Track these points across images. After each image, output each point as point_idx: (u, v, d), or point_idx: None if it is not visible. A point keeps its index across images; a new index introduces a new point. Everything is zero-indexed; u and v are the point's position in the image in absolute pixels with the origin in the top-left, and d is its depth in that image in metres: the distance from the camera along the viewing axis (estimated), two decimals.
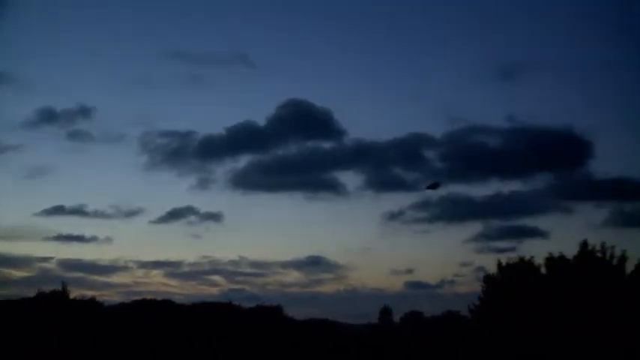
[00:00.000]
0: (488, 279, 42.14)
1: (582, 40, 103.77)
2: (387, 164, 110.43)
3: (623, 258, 37.56)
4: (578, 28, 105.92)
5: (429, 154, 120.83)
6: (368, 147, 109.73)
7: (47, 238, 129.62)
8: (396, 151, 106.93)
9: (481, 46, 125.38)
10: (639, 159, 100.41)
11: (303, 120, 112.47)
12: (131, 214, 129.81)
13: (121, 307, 71.96)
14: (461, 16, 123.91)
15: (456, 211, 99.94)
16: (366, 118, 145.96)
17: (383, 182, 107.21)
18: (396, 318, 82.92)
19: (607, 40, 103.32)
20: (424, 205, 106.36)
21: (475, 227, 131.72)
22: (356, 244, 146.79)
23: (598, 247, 38.06)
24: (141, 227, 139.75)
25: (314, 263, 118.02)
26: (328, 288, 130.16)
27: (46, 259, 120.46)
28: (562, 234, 70.96)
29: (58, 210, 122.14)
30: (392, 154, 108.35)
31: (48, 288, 57.05)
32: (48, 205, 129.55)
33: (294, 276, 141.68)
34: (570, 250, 39.17)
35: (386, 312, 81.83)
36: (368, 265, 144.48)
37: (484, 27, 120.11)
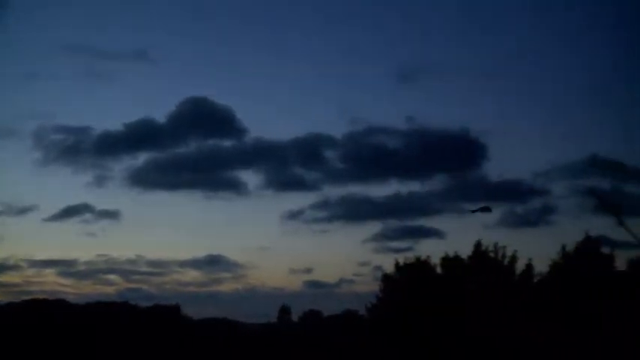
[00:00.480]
0: (385, 278, 42.66)
1: (479, 44, 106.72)
2: (288, 164, 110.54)
3: (514, 258, 38.87)
4: (475, 32, 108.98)
5: (330, 154, 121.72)
6: (268, 146, 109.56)
7: None
8: (296, 151, 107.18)
9: (382, 48, 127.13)
10: (530, 162, 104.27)
11: (203, 118, 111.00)
12: (23, 211, 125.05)
13: (10, 307, 69.52)
14: (362, 17, 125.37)
15: (355, 211, 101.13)
16: (268, 117, 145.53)
17: (283, 182, 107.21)
18: (295, 317, 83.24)
19: (502, 45, 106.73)
20: (324, 204, 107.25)
21: (374, 227, 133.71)
22: (256, 243, 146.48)
23: (491, 248, 39.27)
24: (33, 225, 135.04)
25: (213, 262, 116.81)
26: (227, 287, 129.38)
27: None
28: (458, 234, 72.93)
29: None
30: (292, 153, 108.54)
31: None
32: None
33: (192, 275, 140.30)
34: (465, 250, 40.24)
35: (284, 311, 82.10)
36: (267, 265, 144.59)
37: (385, 28, 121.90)
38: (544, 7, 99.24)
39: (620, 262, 37.03)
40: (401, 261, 42.37)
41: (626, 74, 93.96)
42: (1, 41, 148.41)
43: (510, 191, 78.37)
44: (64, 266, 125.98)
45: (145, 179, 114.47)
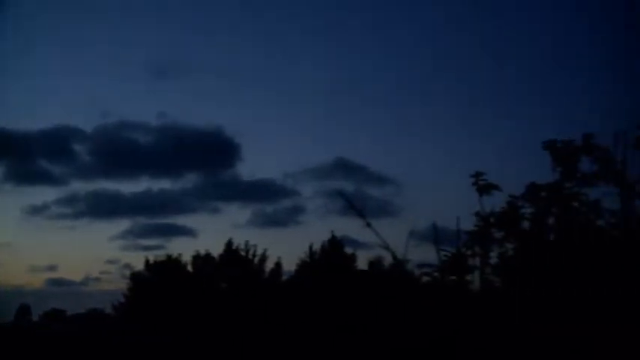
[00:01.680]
0: (134, 276, 42.07)
1: (233, 43, 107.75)
2: (31, 156, 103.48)
3: (264, 257, 40.00)
4: (230, 31, 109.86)
5: (78, 147, 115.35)
6: (9, 137, 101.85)
7: None
8: (41, 143, 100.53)
9: (136, 41, 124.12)
10: (281, 163, 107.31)
11: None
12: None
13: None
14: (117, 7, 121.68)
15: (104, 208, 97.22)
16: (9, 105, 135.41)
17: (26, 175, 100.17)
18: (35, 316, 78.70)
19: (255, 45, 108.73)
20: (70, 200, 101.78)
21: (123, 224, 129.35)
22: None
23: (242, 246, 40.08)
24: None
25: None
26: None
27: None
28: (209, 233, 73.12)
29: None
30: (37, 145, 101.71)
31: None
32: None
33: None
34: (217, 249, 40.67)
35: (23, 310, 77.32)
36: (7, 262, 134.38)
37: (140, 21, 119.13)
38: (300, 13, 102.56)
39: (362, 261, 39.48)
40: (151, 259, 42.28)
41: (372, 78, 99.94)
42: None
43: (262, 191, 79.98)
44: None
45: None
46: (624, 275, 4.61)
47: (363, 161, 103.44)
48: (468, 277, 5.82)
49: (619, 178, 4.92)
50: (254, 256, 39.92)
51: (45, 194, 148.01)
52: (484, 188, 6.07)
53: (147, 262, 42.08)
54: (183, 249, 71.79)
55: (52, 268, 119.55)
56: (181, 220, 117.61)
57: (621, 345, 4.31)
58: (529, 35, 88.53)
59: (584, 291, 4.76)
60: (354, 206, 4.61)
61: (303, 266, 39.17)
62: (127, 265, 77.15)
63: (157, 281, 40.71)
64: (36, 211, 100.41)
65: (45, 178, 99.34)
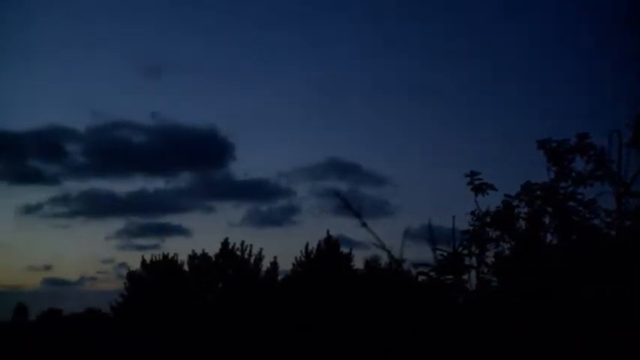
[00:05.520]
0: (131, 276, 42.01)
1: (227, 42, 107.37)
2: (25, 156, 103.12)
3: (260, 256, 40.05)
4: (222, 30, 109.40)
5: (71, 147, 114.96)
6: (2, 136, 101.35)
7: None
8: (34, 143, 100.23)
9: (126, 40, 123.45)
10: (275, 162, 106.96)
11: None
12: None
13: None
14: (105, 7, 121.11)
15: (99, 207, 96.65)
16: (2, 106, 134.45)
17: (19, 174, 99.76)
18: (32, 316, 78.62)
19: (250, 44, 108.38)
20: (64, 199, 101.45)
21: (118, 223, 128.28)
22: None
23: (238, 246, 40.09)
24: None
25: None
26: None
27: None
28: (204, 232, 73.10)
29: None
30: (30, 145, 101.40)
31: None
32: None
33: None
34: (212, 248, 40.65)
35: (20, 310, 77.23)
36: (2, 262, 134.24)
37: (129, 20, 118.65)
38: (296, 12, 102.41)
39: (358, 260, 39.58)
40: (147, 258, 42.12)
41: (367, 76, 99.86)
42: None
43: (256, 190, 79.93)
44: None
45: None
46: (621, 274, 4.62)
47: (356, 161, 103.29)
48: (465, 277, 5.82)
49: (614, 177, 4.92)
50: (250, 255, 39.92)
51: (38, 194, 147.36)
52: (479, 188, 6.08)
53: (143, 261, 41.96)
54: (178, 248, 71.70)
55: (47, 267, 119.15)
56: (176, 220, 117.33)
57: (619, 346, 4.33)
58: (524, 34, 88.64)
59: (578, 290, 4.77)
60: (351, 206, 4.61)
61: (299, 265, 39.17)
62: (123, 265, 77.06)
63: (155, 281, 40.67)
64: (30, 210, 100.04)
65: (38, 178, 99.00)
